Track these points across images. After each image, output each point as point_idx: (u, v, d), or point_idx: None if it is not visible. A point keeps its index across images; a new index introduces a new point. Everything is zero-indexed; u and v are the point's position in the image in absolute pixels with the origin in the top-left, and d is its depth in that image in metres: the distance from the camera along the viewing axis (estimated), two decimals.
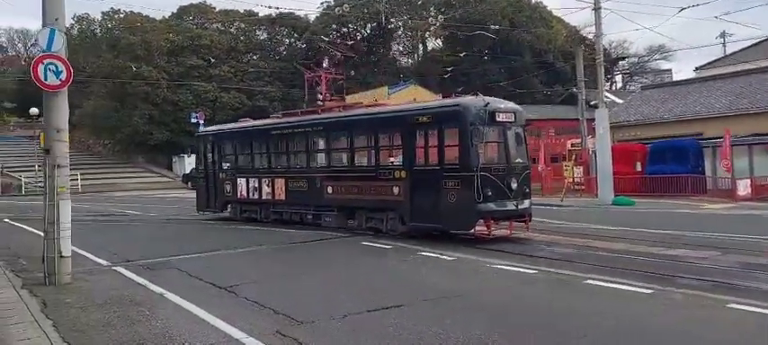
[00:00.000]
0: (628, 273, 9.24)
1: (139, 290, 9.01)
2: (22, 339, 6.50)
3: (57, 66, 9.41)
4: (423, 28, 61.69)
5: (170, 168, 55.00)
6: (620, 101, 39.37)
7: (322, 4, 60.54)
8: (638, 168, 27.77)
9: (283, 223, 17.64)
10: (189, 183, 41.72)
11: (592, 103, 29.99)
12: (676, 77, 59.29)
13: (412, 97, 43.42)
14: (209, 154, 21.06)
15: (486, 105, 13.25)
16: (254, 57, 61.15)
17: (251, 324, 6.82)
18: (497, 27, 45.68)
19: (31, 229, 18.03)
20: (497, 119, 13.33)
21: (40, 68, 9.33)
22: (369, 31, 62.44)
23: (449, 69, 49.63)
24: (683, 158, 26.21)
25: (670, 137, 28.39)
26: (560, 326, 6.67)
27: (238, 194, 19.52)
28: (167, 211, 25.12)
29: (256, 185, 18.83)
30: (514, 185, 13.19)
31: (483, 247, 12.29)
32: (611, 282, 8.63)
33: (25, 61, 74.81)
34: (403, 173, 14.20)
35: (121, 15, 55.34)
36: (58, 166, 9.56)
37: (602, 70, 27.35)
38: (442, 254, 11.52)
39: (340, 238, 14.60)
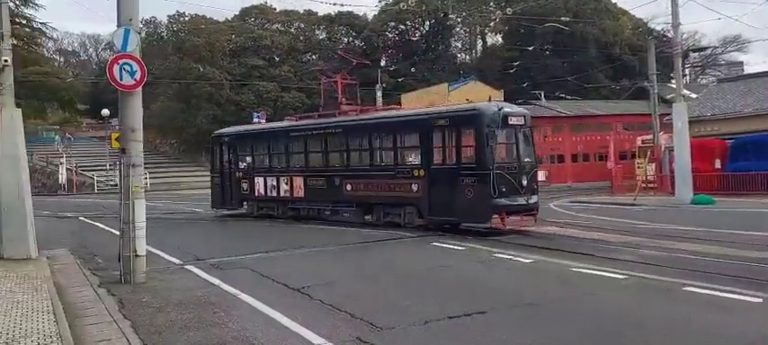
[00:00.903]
0: (728, 280, 8.49)
1: (213, 290, 8.91)
2: (101, 340, 6.45)
3: (131, 66, 9.45)
4: (482, 23, 60.67)
5: None
6: (695, 96, 37.47)
7: (380, 2, 60.47)
8: (718, 165, 26.28)
9: (300, 218, 18.90)
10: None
11: (668, 97, 28.60)
12: (748, 70, 56.28)
13: (472, 94, 42.75)
14: (226, 155, 21.91)
15: (499, 109, 14.83)
16: (314, 57, 61.63)
17: (329, 329, 6.56)
18: (566, 19, 44.06)
19: (104, 227, 18.52)
20: (509, 123, 14.78)
21: (116, 69, 9.38)
22: (427, 28, 61.91)
23: (515, 64, 48.52)
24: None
25: (751, 132, 26.73)
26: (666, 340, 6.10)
27: (256, 192, 20.50)
28: None
29: (274, 183, 19.87)
30: (525, 182, 14.54)
31: (560, 249, 11.72)
32: (710, 289, 7.93)
33: (96, 65, 78.02)
34: (421, 172, 15.42)
35: (186, 18, 56.75)
36: (133, 166, 9.59)
37: (680, 62, 26.00)
38: (517, 256, 11.02)
39: (408, 238, 14.26)
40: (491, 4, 61.52)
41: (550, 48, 54.64)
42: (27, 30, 48.06)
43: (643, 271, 9.34)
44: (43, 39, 55.30)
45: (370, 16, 60.67)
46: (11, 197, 11.55)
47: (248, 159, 21.31)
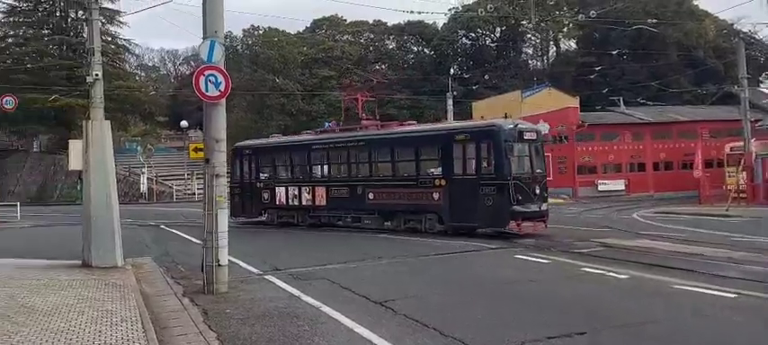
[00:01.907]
0: None
1: (295, 302, 8.77)
2: None
3: (216, 78, 9.49)
4: (555, 29, 59.16)
5: None
6: None
7: (450, 10, 60.04)
8: None
9: (319, 226, 20.00)
10: None
11: (763, 103, 26.79)
12: None
13: (547, 101, 41.61)
14: (247, 166, 22.89)
15: (515, 125, 16.45)
16: (383, 67, 61.87)
17: None
18: (651, 22, 42.11)
19: (184, 235, 18.91)
20: (524, 137, 16.37)
21: (202, 80, 9.44)
22: (498, 35, 60.95)
23: (596, 69, 46.90)
24: None
25: None
26: None
27: (277, 201, 21.55)
28: None
29: (296, 193, 20.92)
30: (537, 191, 16.09)
31: (656, 264, 10.94)
32: None
33: (175, 79, 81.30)
34: (443, 181, 16.76)
35: (260, 32, 58.27)
36: (217, 176, 9.61)
37: None
38: (609, 271, 10.35)
39: (488, 250, 13.78)
40: (564, 8, 59.89)
41: (628, 52, 52.60)
42: (113, 46, 50.58)
43: (755, 290, 8.53)
44: (127, 54, 58.09)
45: (439, 25, 60.34)
46: (100, 206, 11.88)
47: (269, 170, 22.38)
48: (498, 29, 60.74)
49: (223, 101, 9.75)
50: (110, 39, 49.65)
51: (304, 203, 20.58)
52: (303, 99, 54.54)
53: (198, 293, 9.46)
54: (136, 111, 53.79)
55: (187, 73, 70.01)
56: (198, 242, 13.93)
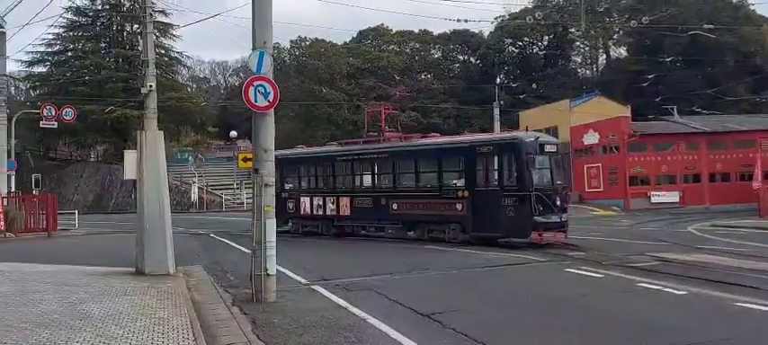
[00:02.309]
0: None
1: (342, 313, 8.74)
2: None
3: (265, 88, 9.60)
4: (605, 36, 57.97)
5: None
6: None
7: (496, 19, 59.57)
8: None
9: (343, 235, 20.57)
10: None
11: None
12: None
13: (597, 109, 40.75)
14: None
15: (537, 139, 17.15)
16: (429, 76, 61.82)
17: None
18: (709, 26, 40.71)
19: (233, 244, 19.19)
20: (545, 150, 16.88)
21: (251, 91, 9.56)
22: (546, 43, 60.14)
23: (648, 77, 45.68)
24: None
25: None
26: None
27: (301, 211, 22.11)
28: None
29: (320, 203, 21.45)
30: (558, 202, 16.51)
31: (716, 280, 10.48)
32: None
33: (224, 90, 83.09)
34: (466, 192, 17.27)
35: (307, 42, 59.07)
36: (266, 186, 9.70)
37: None
38: (665, 287, 9.96)
39: (538, 263, 13.49)
40: (614, 15, 58.68)
41: (682, 59, 51.06)
42: (166, 59, 52.08)
43: None
44: (179, 66, 59.71)
45: (485, 33, 59.97)
46: (153, 215, 12.16)
47: (294, 180, 22.95)
48: (546, 37, 59.98)
49: (272, 111, 9.85)
50: (163, 51, 51.15)
51: (328, 213, 21.18)
52: (349, 109, 54.93)
53: (247, 302, 9.53)
54: (187, 122, 55.13)
55: (236, 84, 71.49)
56: (246, 251, 14.13)
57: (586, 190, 40.24)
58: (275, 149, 10.09)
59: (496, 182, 16.87)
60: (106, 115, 46.52)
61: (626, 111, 41.28)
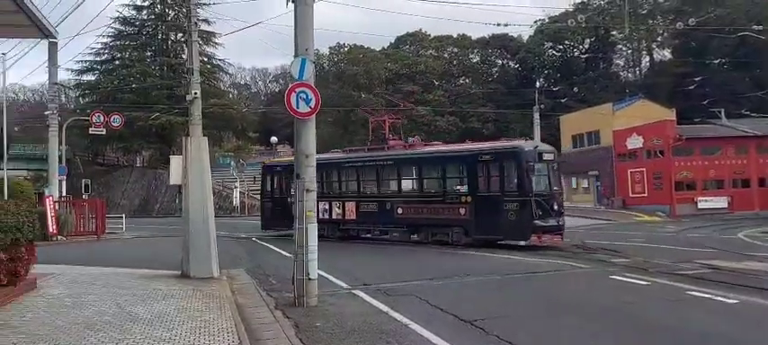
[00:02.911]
0: None
1: (384, 318, 8.74)
2: None
3: (307, 94, 9.70)
4: (649, 38, 56.70)
5: None
6: None
7: (536, 22, 58.88)
8: None
9: (348, 238, 21.17)
10: None
11: None
12: None
13: (640, 113, 39.86)
14: (276, 183, 24.51)
15: (536, 147, 18.49)
16: (467, 81, 61.50)
17: None
18: (758, 27, 39.44)
19: (275, 248, 19.43)
20: (544, 158, 18.01)
21: (293, 97, 9.67)
22: (587, 46, 59.19)
23: (694, 79, 44.47)
24: None
25: None
26: None
27: None
28: None
29: (326, 207, 22.02)
30: (555, 206, 17.69)
31: None
32: None
33: (265, 96, 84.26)
34: (469, 198, 18.31)
35: (346, 49, 59.47)
36: (307, 191, 9.80)
37: None
38: (716, 295, 9.67)
39: (581, 270, 13.26)
40: (658, 17, 57.33)
41: (729, 61, 49.58)
42: (209, 66, 53.16)
43: None
44: (221, 73, 60.86)
45: (525, 37, 59.35)
46: (197, 219, 12.40)
47: None
48: (587, 40, 58.99)
49: (313, 117, 9.95)
50: (206, 59, 52.24)
51: (334, 217, 22.06)
52: (386, 114, 55.01)
53: (289, 305, 9.63)
54: (229, 128, 56.07)
55: (276, 90, 72.44)
56: (286, 254, 14.30)
57: (630, 195, 39.41)
58: (308, 155, 10.10)
59: (498, 188, 17.95)
60: (152, 121, 47.79)
61: (671, 115, 40.26)
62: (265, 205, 25.64)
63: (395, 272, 13.48)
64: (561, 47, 60.09)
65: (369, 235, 21.29)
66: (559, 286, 11.77)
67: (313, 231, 9.82)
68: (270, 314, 9.02)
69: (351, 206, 21.45)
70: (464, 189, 18.72)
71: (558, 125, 48.94)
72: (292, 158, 25.26)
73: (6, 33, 17.24)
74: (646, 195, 38.19)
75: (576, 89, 55.39)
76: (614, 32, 56.35)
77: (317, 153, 9.60)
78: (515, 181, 17.62)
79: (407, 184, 20.82)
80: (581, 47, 60.01)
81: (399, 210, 20.14)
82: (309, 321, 8.60)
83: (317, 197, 22.01)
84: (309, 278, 9.70)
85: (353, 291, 11.16)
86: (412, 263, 15.62)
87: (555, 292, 11.12)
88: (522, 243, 17.79)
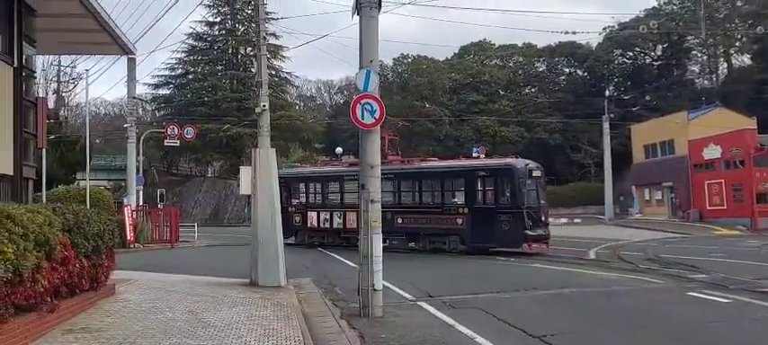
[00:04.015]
0: None
1: (449, 331, 8.67)
2: None
3: (371, 106, 9.78)
4: (726, 44, 54.10)
5: None
6: None
7: (605, 29, 57.19)
8: None
9: (351, 247, 20.63)
10: None
11: None
12: None
13: (717, 121, 37.99)
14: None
15: (526, 165, 20.40)
16: (533, 90, 60.41)
17: None
18: None
19: (340, 258, 19.60)
20: (533, 174, 20.13)
21: (358, 109, 9.78)
22: (659, 52, 57.05)
23: None
24: None
25: None
26: None
27: (308, 224, 24.37)
28: None
29: (327, 217, 23.71)
30: (543, 218, 19.77)
31: None
32: None
33: (330, 108, 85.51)
34: (465, 209, 20.21)
35: (409, 59, 59.60)
36: (372, 201, 9.85)
37: None
38: None
39: (655, 285, 12.74)
40: (736, 21, 54.59)
41: None
42: (276, 79, 54.53)
43: None
44: (288, 86, 62.25)
45: (593, 45, 57.72)
46: (266, 228, 12.69)
47: (301, 196, 25.30)
48: (659, 46, 56.85)
49: (378, 128, 10.02)
50: (274, 72, 53.58)
51: (335, 226, 23.47)
52: (450, 124, 54.70)
53: (354, 316, 9.69)
54: (296, 139, 57.18)
55: (341, 102, 73.33)
56: (351, 264, 14.40)
57: (707, 207, 37.59)
58: (373, 165, 10.11)
59: (493, 201, 19.93)
60: (222, 133, 49.44)
61: (751, 123, 38.14)
62: None
63: (456, 284, 13.35)
64: (631, 54, 58.10)
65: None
66: (634, 302, 11.29)
67: (378, 241, 9.86)
68: (336, 324, 9.11)
69: (352, 216, 21.98)
70: (461, 201, 20.56)
71: (628, 134, 47.30)
72: (290, 170, 26.10)
73: (90, 50, 18.28)
74: (724, 207, 36.32)
75: (647, 97, 53.30)
76: (689, 38, 54.03)
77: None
78: (508, 194, 19.63)
79: (408, 196, 22.32)
80: (653, 53, 57.89)
81: (399, 220, 21.52)
82: (375, 331, 8.62)
83: (318, 207, 24.19)
84: (374, 289, 9.74)
85: (418, 303, 11.14)
86: (470, 274, 15.40)
87: (629, 308, 10.69)
88: (514, 249, 19.63)
